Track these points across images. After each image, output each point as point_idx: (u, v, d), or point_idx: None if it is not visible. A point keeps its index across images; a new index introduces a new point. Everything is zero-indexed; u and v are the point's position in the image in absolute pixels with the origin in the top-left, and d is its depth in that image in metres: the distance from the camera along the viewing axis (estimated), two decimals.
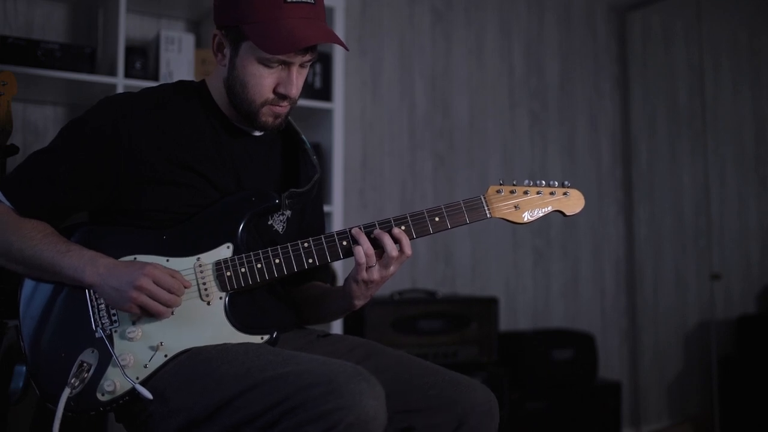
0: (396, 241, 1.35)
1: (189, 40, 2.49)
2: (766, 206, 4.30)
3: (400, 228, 1.36)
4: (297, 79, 1.37)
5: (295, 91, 1.37)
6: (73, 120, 1.42)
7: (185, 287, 1.30)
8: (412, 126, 3.28)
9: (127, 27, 2.46)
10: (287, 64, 1.34)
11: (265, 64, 1.34)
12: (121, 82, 2.31)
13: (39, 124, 2.53)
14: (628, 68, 3.92)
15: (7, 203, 1.36)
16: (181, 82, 1.52)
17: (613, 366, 3.68)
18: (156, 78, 2.43)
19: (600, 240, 3.75)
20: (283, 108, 1.39)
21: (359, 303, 1.41)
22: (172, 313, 1.31)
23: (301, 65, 1.37)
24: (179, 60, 2.46)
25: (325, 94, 2.63)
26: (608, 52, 3.89)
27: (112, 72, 2.35)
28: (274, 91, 1.36)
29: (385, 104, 3.21)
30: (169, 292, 1.28)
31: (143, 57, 2.40)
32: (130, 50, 2.37)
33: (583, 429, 3.09)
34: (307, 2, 1.31)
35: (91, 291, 1.32)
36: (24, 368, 1.73)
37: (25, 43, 2.22)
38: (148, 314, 1.29)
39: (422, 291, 2.93)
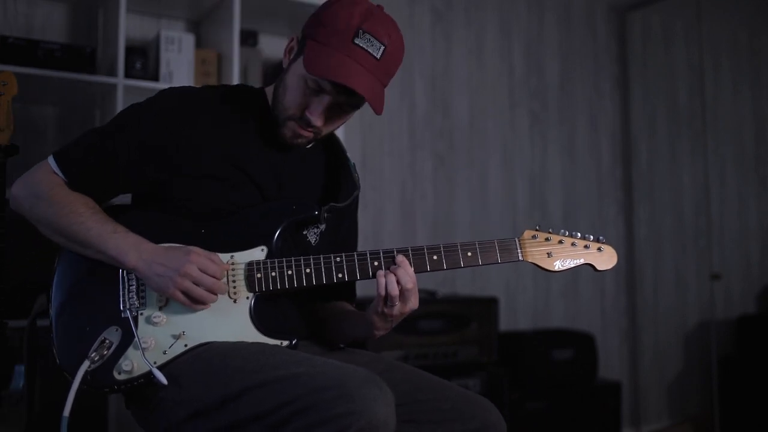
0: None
1: (189, 40, 2.49)
2: (766, 206, 4.30)
3: (433, 257, 1.37)
4: (326, 111, 1.37)
5: (319, 122, 1.38)
6: (128, 106, 1.47)
7: (223, 269, 1.33)
8: (412, 126, 3.28)
9: (127, 27, 2.46)
10: (322, 93, 1.35)
11: (308, 83, 1.35)
12: (121, 82, 2.31)
13: (39, 124, 2.53)
14: (628, 68, 3.92)
15: (61, 174, 1.39)
16: (241, 86, 1.55)
17: (613, 366, 3.68)
18: (156, 78, 2.43)
19: None
20: (306, 132, 1.40)
21: (379, 333, 1.42)
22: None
23: (339, 105, 1.38)
24: (179, 60, 2.46)
25: None
26: (608, 52, 3.89)
27: (112, 72, 2.35)
28: (302, 112, 1.38)
29: (385, 104, 3.20)
30: (213, 276, 1.31)
31: (143, 57, 2.40)
32: (130, 50, 2.37)
33: (583, 429, 3.09)
34: (371, 54, 1.33)
35: (125, 271, 1.35)
36: (23, 367, 1.74)
37: (25, 43, 2.22)
38: (191, 301, 1.31)
39: (422, 291, 2.92)
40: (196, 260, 1.29)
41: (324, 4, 1.38)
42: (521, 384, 2.99)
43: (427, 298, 2.85)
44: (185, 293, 1.30)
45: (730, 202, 4.18)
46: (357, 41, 1.31)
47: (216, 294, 1.32)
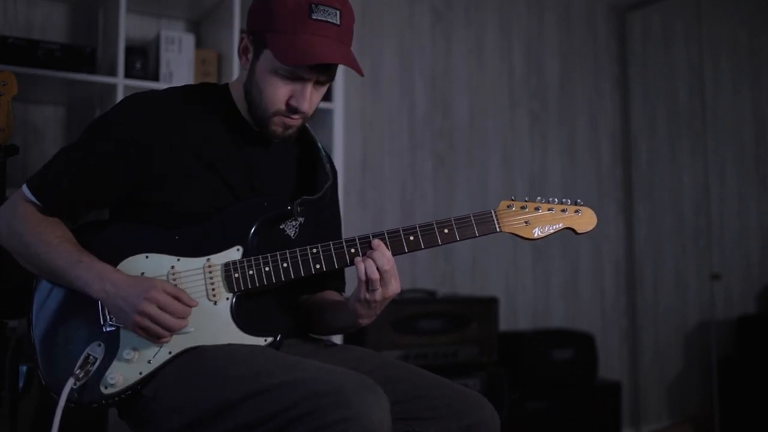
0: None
1: (189, 40, 2.49)
2: (766, 206, 4.30)
3: (409, 238, 1.36)
4: (311, 94, 1.37)
5: (307, 106, 1.37)
6: (97, 117, 1.46)
7: (191, 306, 1.31)
8: (412, 126, 3.28)
9: (127, 27, 2.46)
10: (302, 79, 1.34)
11: (281, 74, 1.34)
12: (121, 83, 2.31)
13: (39, 124, 2.53)
14: (628, 68, 3.92)
15: (33, 198, 1.37)
16: (205, 84, 1.53)
17: (613, 366, 3.68)
18: (156, 78, 2.43)
19: (600, 240, 3.75)
20: (295, 120, 1.39)
21: (364, 322, 1.41)
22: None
23: (318, 82, 1.37)
24: (179, 60, 2.46)
25: (326, 93, 2.62)
26: (608, 52, 3.89)
27: (112, 72, 2.35)
28: (287, 103, 1.36)
29: (385, 104, 3.21)
30: (174, 315, 1.28)
31: (143, 57, 2.40)
32: (130, 50, 2.37)
33: (583, 429, 3.09)
34: (332, 23, 1.31)
35: None
36: (25, 368, 1.74)
37: (25, 43, 2.22)
38: (151, 337, 1.29)
39: (422, 291, 2.93)
40: (155, 298, 1.26)
41: None
42: (521, 384, 2.99)
43: (427, 298, 2.85)
44: (144, 330, 1.27)
45: (730, 202, 4.18)
46: (315, 16, 1.29)
47: (174, 332, 1.29)
